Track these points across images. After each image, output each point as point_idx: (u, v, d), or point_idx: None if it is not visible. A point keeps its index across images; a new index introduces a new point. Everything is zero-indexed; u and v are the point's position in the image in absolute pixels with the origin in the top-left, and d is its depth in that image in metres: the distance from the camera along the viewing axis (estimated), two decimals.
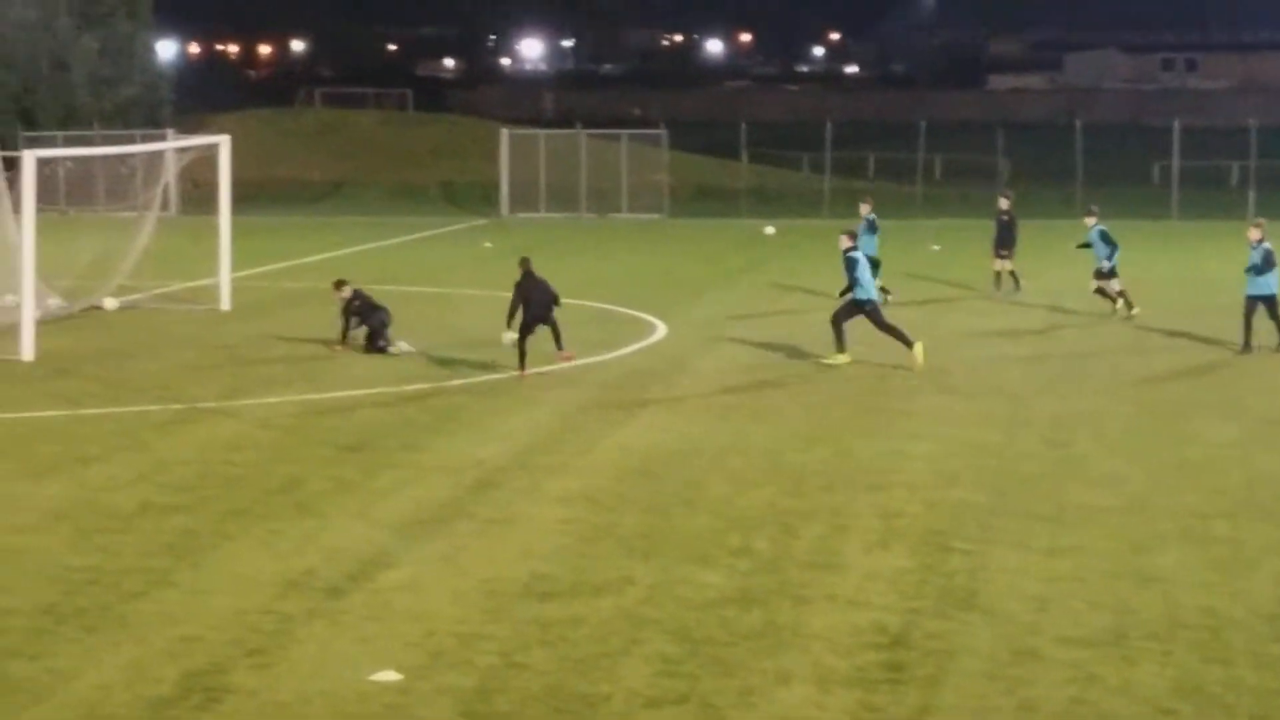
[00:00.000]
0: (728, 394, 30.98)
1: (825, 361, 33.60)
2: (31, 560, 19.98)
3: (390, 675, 16.17)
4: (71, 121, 77.04)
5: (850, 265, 33.48)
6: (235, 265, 43.57)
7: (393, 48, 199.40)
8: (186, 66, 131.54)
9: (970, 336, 37.89)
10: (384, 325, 35.01)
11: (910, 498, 23.03)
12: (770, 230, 50.93)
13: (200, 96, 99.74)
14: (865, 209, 42.94)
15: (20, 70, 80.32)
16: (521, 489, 23.68)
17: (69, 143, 68.36)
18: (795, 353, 35.55)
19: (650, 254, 57.50)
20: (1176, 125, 72.95)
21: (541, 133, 76.18)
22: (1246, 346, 34.25)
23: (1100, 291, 40.41)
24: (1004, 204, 45.29)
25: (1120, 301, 40.20)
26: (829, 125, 76.75)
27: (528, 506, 22.68)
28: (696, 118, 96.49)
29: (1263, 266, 33.83)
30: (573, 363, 32.21)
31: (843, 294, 34.08)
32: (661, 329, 38.65)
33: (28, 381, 32.30)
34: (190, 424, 28.42)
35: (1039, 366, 33.96)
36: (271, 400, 30.34)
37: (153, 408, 29.66)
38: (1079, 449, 26.32)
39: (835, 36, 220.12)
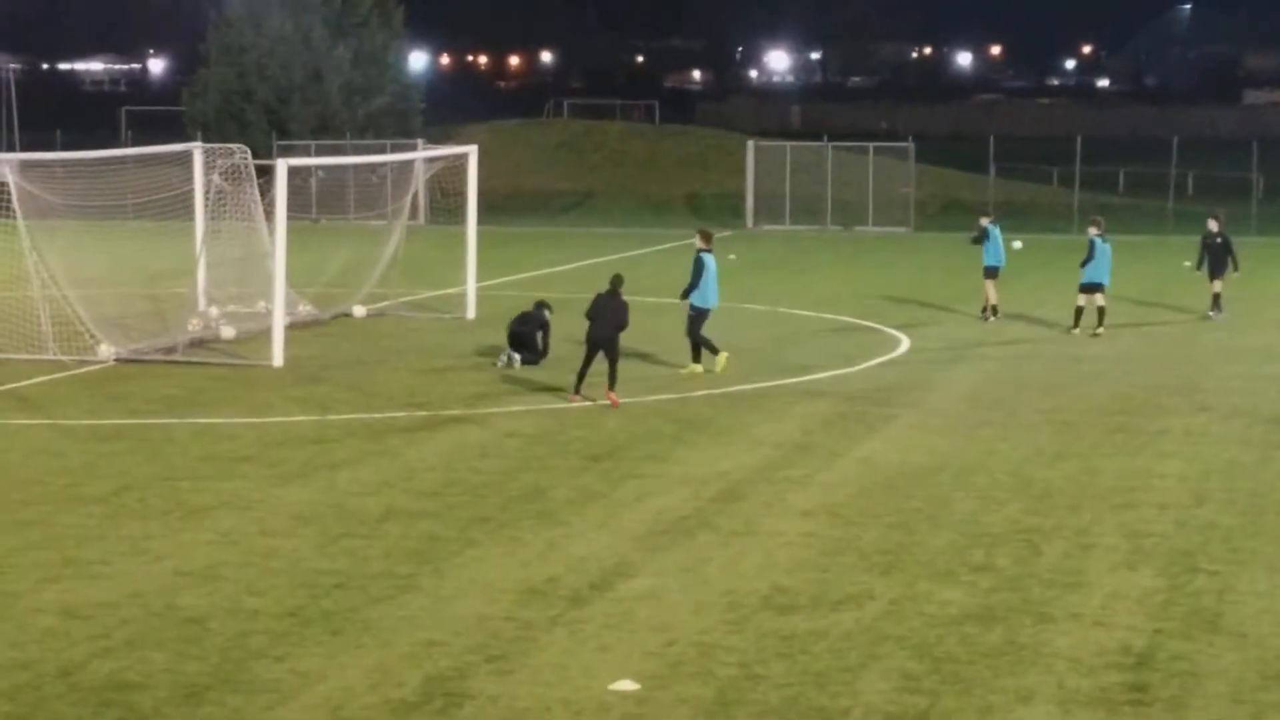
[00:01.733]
0: (972, 409, 30.80)
1: (685, 372, 33.97)
2: (279, 563, 20.35)
3: (629, 685, 16.25)
4: (324, 131, 78.29)
5: (697, 266, 33.83)
6: (481, 274, 44.06)
7: (640, 59, 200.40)
8: (437, 77, 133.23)
9: (1225, 352, 37.42)
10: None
11: (1159, 517, 22.80)
12: (1018, 245, 50.29)
13: (450, 107, 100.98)
14: (1093, 230, 41.69)
15: (275, 80, 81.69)
16: (764, 501, 23.75)
17: (321, 152, 69.60)
18: (1040, 368, 35.26)
19: (895, 268, 57.29)
20: None
21: (788, 145, 76.16)
22: None
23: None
24: (1214, 225, 44.55)
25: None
26: (1079, 140, 75.97)
27: (770, 519, 22.75)
28: (945, 131, 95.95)
29: None
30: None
31: (684, 295, 34.32)
32: (906, 343, 38.50)
33: (278, 387, 32.88)
34: (436, 431, 28.78)
35: None
36: (517, 409, 30.59)
37: (399, 414, 30.09)
38: None
39: (1087, 50, 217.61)
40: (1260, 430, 28.92)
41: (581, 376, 31.02)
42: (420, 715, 15.53)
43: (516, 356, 34.48)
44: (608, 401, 30.61)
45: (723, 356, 33.83)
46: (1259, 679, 16.54)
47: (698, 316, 34.06)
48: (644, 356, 35.41)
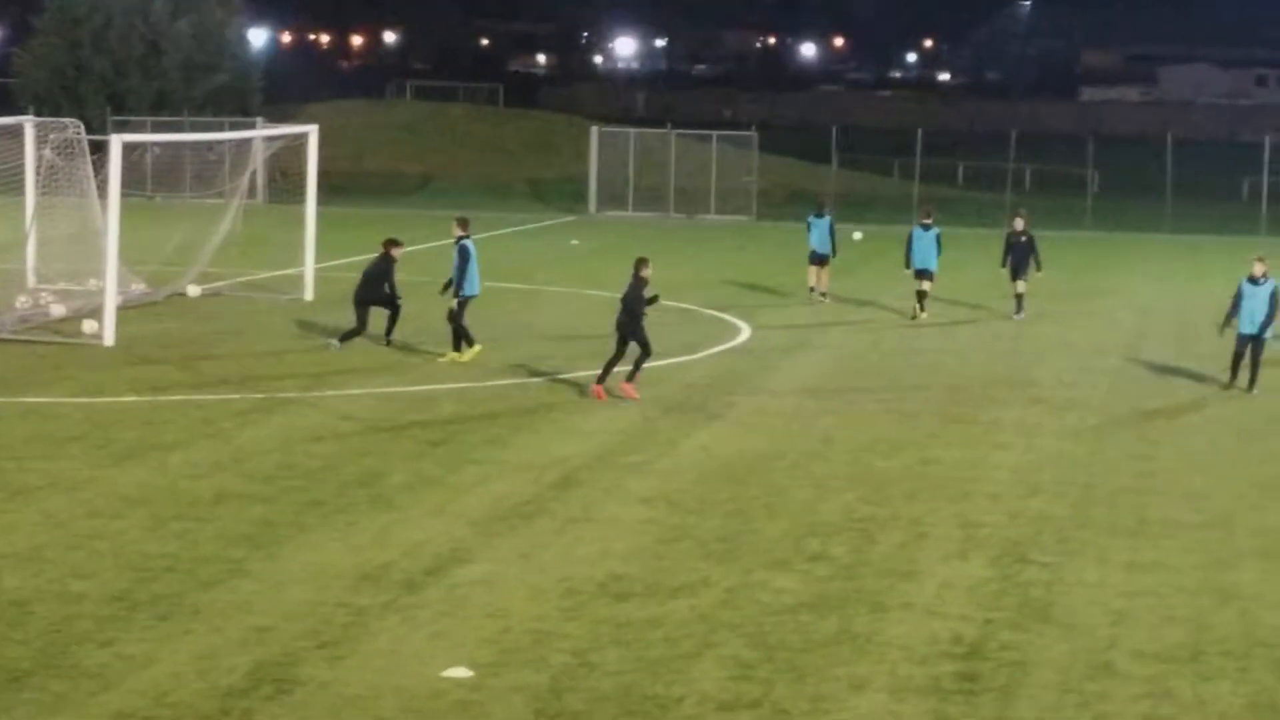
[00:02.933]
0: (812, 398, 30.99)
1: (445, 359, 33.61)
2: (107, 546, 20.11)
3: (463, 671, 16.21)
4: (162, 107, 77.51)
5: (462, 254, 33.50)
6: (321, 255, 43.70)
7: (486, 42, 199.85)
8: (278, 55, 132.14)
9: (1057, 346, 37.83)
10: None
11: (992, 507, 23.07)
12: (859, 236, 50.75)
13: (291, 86, 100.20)
14: (1019, 223, 42.46)
15: (112, 54, 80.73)
16: (603, 488, 23.77)
17: (158, 128, 68.94)
18: (880, 359, 35.52)
19: (737, 256, 57.44)
20: (1268, 141, 72.52)
21: (632, 131, 76.19)
22: None
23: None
24: (1019, 224, 43.57)
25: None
26: (920, 132, 76.67)
27: (608, 506, 22.76)
28: (788, 121, 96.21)
29: None
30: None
31: (446, 287, 33.90)
32: (746, 331, 38.63)
33: (109, 367, 32.43)
34: (271, 413, 28.54)
35: (1125, 380, 33.81)
36: (354, 392, 30.42)
37: (234, 396, 29.82)
38: (1162, 464, 26.28)
39: (929, 43, 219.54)
40: (1091, 423, 29.31)
41: (608, 369, 30.26)
42: (249, 701, 15.38)
43: (336, 343, 34.23)
44: (623, 394, 30.05)
45: (476, 349, 33.51)
46: (1086, 669, 16.74)
47: (464, 304, 33.72)
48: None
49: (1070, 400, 31.39)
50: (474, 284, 33.71)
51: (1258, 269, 32.62)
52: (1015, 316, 42.26)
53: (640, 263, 30.51)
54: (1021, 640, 17.51)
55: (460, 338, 33.52)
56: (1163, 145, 74.81)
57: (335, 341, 34.04)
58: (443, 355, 33.66)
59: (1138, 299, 46.54)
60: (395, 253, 34.94)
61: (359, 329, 34.12)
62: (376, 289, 34.40)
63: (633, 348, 30.07)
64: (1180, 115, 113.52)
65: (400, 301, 34.51)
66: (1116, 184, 75.79)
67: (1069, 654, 17.18)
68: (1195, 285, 50.10)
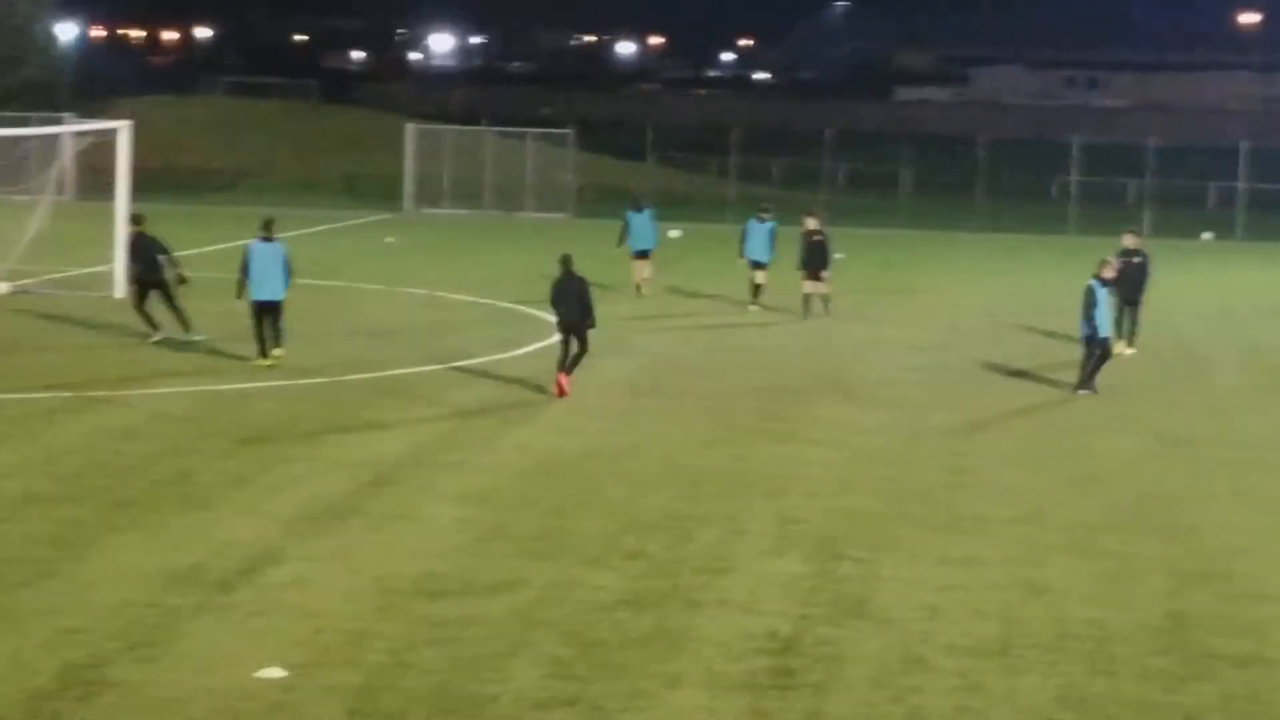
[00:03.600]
0: (629, 395, 31.09)
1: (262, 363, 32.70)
2: None
3: (276, 672, 16.11)
4: None
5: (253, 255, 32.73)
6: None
7: (300, 38, 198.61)
8: (87, 50, 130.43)
9: (870, 344, 38.15)
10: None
11: (807, 504, 23.16)
12: (675, 234, 51.03)
13: (101, 81, 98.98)
14: (812, 222, 42.79)
15: None
16: (418, 487, 23.68)
17: None
18: (696, 356, 35.66)
19: (555, 254, 57.35)
20: (1076, 142, 73.75)
21: (447, 128, 76.08)
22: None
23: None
24: (811, 224, 43.22)
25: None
26: (734, 131, 77.21)
27: (424, 504, 22.67)
28: (606, 119, 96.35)
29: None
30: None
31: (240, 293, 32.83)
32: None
33: None
34: (79, 413, 28.21)
35: (939, 378, 34.16)
36: (164, 390, 30.13)
37: (40, 395, 29.41)
38: (975, 460, 26.52)
39: (746, 42, 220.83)
40: (905, 420, 29.57)
41: (561, 364, 30.58)
42: (57, 704, 15.20)
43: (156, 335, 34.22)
44: (554, 389, 30.22)
45: (267, 362, 32.29)
46: (900, 663, 16.91)
47: (256, 306, 32.43)
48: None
49: (884, 398, 31.59)
50: (261, 288, 32.39)
51: (1129, 240, 36.33)
52: (809, 317, 41.89)
53: (569, 259, 31.46)
54: (836, 635, 17.65)
55: (259, 340, 32.73)
56: (974, 145, 75.86)
57: (188, 335, 34.56)
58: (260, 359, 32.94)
59: (950, 296, 47.07)
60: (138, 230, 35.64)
61: (147, 318, 34.62)
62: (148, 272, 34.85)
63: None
64: (990, 115, 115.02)
65: (166, 278, 34.80)
66: (929, 182, 76.62)
67: (883, 648, 17.35)
68: (1007, 282, 50.78)
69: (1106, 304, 32.23)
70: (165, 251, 35.47)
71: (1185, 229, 67.94)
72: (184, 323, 34.77)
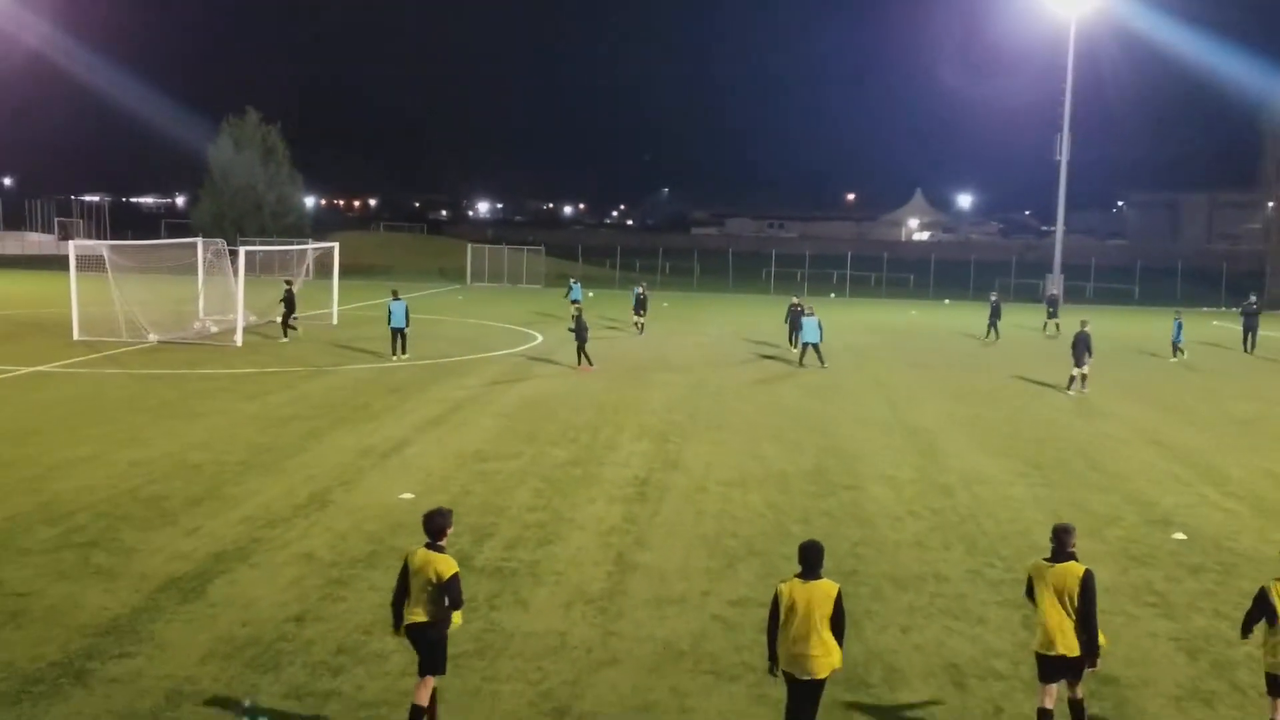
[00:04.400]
0: (569, 369, 30.76)
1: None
2: None
3: (409, 495, 16.05)
4: (262, 233, 74.91)
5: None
6: (343, 301, 42.41)
7: (417, 203, 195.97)
8: (317, 208, 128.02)
9: (681, 347, 37.69)
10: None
11: (651, 418, 23.04)
12: (584, 293, 50.63)
13: (323, 224, 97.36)
14: (640, 289, 41.21)
15: (238, 207, 78.17)
16: (473, 410, 23.40)
17: (262, 244, 66.44)
18: (604, 350, 35.28)
19: (535, 304, 57.08)
20: (773, 253, 74.08)
21: (486, 246, 75.05)
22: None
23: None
24: (639, 289, 40.18)
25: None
26: (618, 248, 77.25)
27: (476, 418, 22.46)
28: (559, 243, 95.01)
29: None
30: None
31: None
32: (539, 338, 38.07)
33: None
34: (315, 379, 27.44)
35: (710, 361, 33.82)
36: (351, 367, 29.21)
37: (297, 369, 28.76)
38: (726, 397, 26.29)
39: (622, 206, 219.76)
40: (694, 379, 29.02)
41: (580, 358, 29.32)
42: (308, 509, 14.96)
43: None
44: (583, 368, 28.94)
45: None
46: (694, 489, 16.91)
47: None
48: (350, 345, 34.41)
49: (685, 369, 31.18)
50: (396, 321, 30.44)
51: (795, 299, 35.53)
52: (640, 335, 38.85)
53: (578, 308, 31.06)
54: (665, 477, 17.74)
55: (393, 347, 30.38)
56: (726, 256, 75.98)
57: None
58: (392, 357, 30.75)
59: (715, 325, 46.91)
60: None
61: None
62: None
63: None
64: (735, 241, 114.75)
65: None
66: (707, 271, 76.63)
67: (687, 482, 17.47)
68: (741, 318, 50.81)
69: (811, 326, 32.14)
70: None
71: (824, 292, 68.49)
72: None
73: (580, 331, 29.76)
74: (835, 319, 49.89)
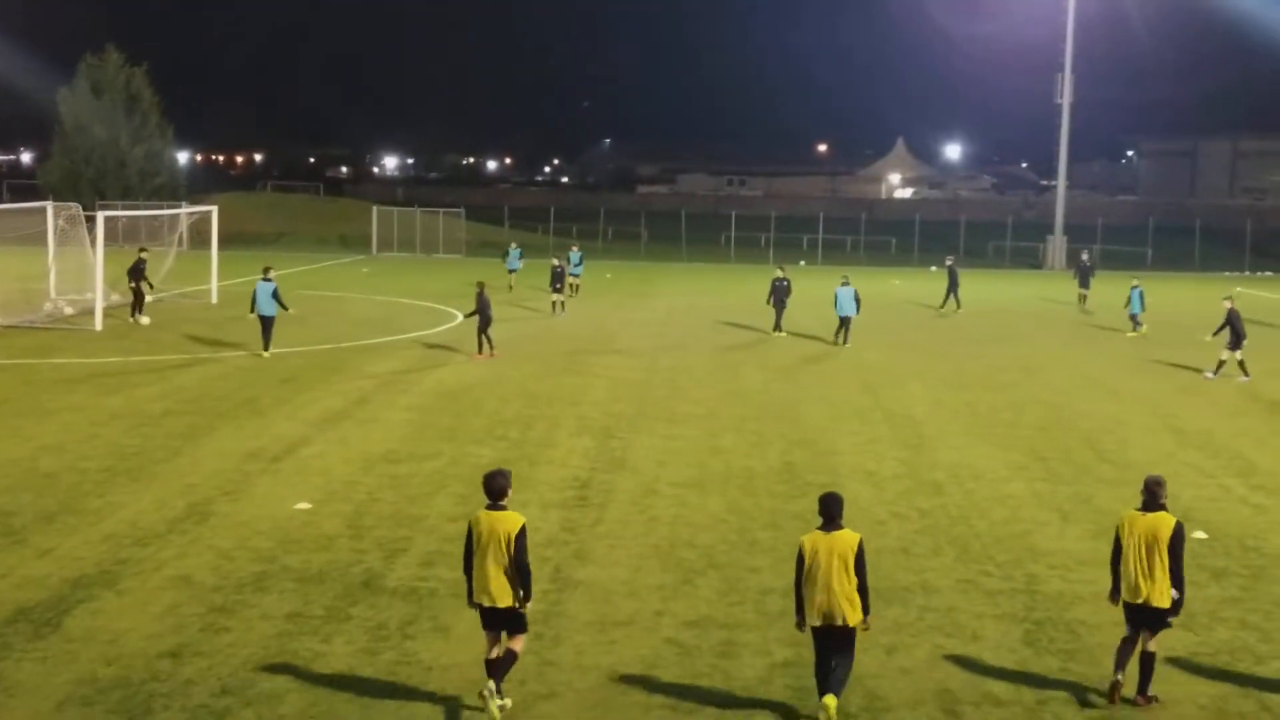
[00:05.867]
0: (495, 353, 30.72)
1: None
2: None
3: (305, 505, 15.91)
4: (126, 196, 73.63)
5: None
6: (224, 276, 41.89)
7: (312, 159, 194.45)
8: (193, 167, 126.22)
9: (625, 324, 38.03)
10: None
11: (592, 409, 23.12)
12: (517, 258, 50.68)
13: (200, 185, 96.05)
14: (573, 251, 42.84)
15: (96, 165, 76.56)
16: (382, 402, 23.37)
17: (126, 208, 65.42)
18: (536, 330, 35.35)
19: (455, 278, 56.79)
20: (734, 215, 74.42)
21: (395, 209, 74.70)
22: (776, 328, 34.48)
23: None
24: (556, 260, 39.88)
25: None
26: (552, 209, 77.05)
27: (385, 412, 22.42)
28: (481, 204, 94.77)
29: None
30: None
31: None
32: (460, 317, 37.95)
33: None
34: (191, 367, 27.22)
35: (663, 341, 34.03)
36: (234, 354, 28.94)
37: (170, 356, 28.48)
38: (681, 382, 26.45)
39: (556, 161, 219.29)
40: (645, 362, 29.28)
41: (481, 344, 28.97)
42: (185, 524, 14.85)
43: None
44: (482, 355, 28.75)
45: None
46: (642, 491, 16.99)
47: None
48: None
49: (634, 351, 31.45)
50: (263, 308, 28.25)
51: (777, 270, 35.03)
52: (557, 315, 38.24)
53: (480, 284, 29.66)
54: (609, 479, 17.77)
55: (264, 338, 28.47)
56: (678, 218, 76.19)
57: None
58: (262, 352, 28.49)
59: (667, 299, 47.08)
60: None
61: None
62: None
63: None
64: (688, 201, 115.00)
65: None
66: (656, 237, 76.72)
67: (635, 484, 17.51)
68: (696, 290, 51.04)
69: (848, 298, 32.35)
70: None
71: (793, 260, 68.99)
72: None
73: (483, 310, 28.88)
74: (805, 290, 50.03)
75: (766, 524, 15.61)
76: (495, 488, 10.04)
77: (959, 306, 42.00)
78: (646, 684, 10.79)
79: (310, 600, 12.52)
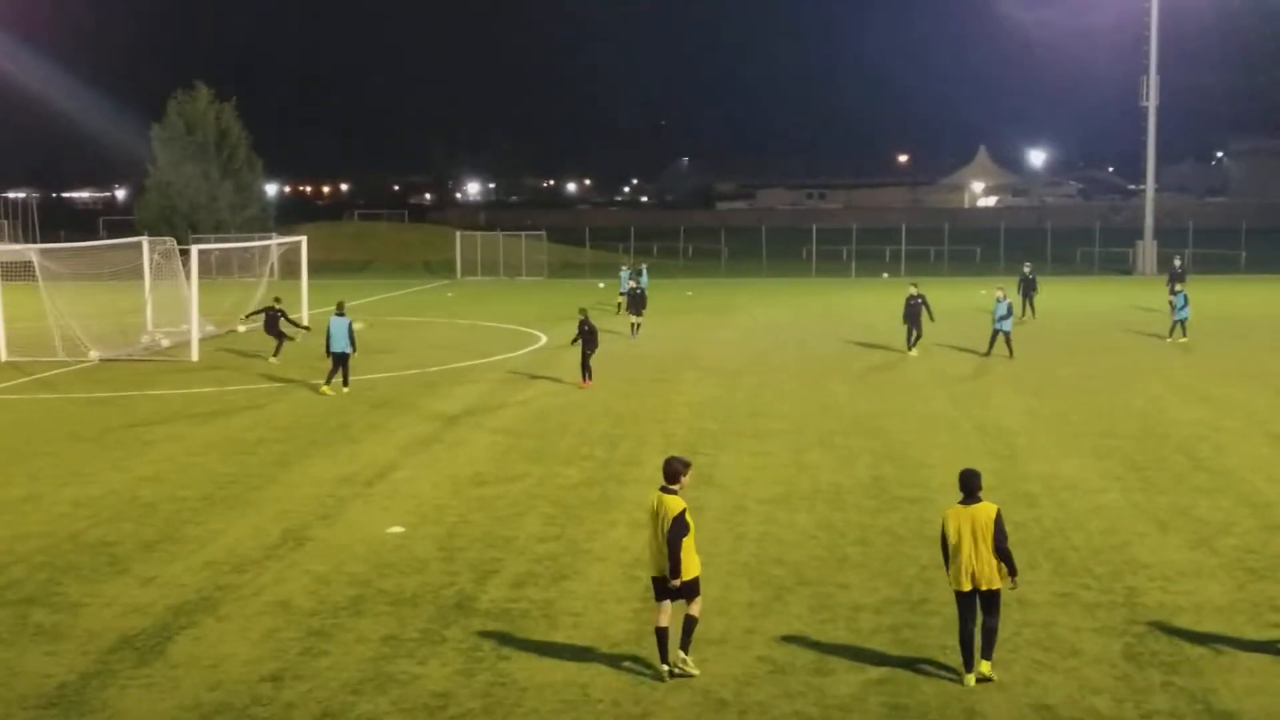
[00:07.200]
0: (575, 375, 30.75)
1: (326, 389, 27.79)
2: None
3: (398, 528, 16.09)
4: (219, 229, 75.28)
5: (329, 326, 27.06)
6: (313, 304, 42.59)
7: (396, 187, 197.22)
8: (282, 198, 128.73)
9: (710, 340, 37.86)
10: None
11: (677, 427, 23.10)
12: (602, 285, 50.66)
13: (289, 215, 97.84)
14: (634, 268, 43.26)
15: (188, 199, 78.26)
16: (470, 425, 23.52)
17: (218, 241, 66.89)
18: (625, 349, 35.40)
19: (538, 300, 57.21)
20: (814, 228, 73.92)
21: (477, 234, 75.46)
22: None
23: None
24: (631, 281, 38.89)
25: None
26: (632, 229, 77.24)
27: (473, 435, 22.56)
28: (562, 225, 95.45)
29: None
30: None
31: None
32: (544, 339, 38.35)
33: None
34: (287, 395, 27.67)
35: (747, 356, 33.88)
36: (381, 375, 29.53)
37: (263, 385, 28.91)
38: (765, 398, 26.40)
39: (635, 181, 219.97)
40: (729, 379, 29.29)
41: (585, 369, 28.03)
42: (280, 549, 15.09)
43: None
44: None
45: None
46: (731, 509, 16.91)
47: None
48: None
49: (716, 366, 31.43)
50: (337, 344, 26.96)
51: (911, 289, 33.12)
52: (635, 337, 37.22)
53: (583, 310, 28.84)
54: (698, 496, 17.67)
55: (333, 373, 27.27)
56: (759, 232, 75.97)
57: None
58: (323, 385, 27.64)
59: (749, 314, 46.93)
60: None
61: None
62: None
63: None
64: (768, 216, 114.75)
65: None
66: (737, 253, 76.57)
67: (722, 500, 17.46)
68: (780, 305, 50.80)
69: (1002, 310, 31.35)
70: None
71: (875, 271, 68.40)
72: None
73: (588, 337, 27.92)
74: (886, 301, 49.68)
75: (856, 539, 15.48)
76: (670, 470, 11.34)
77: (1034, 314, 41.38)
78: (740, 702, 10.74)
79: (405, 623, 12.65)
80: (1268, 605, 12.88)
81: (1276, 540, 15.19)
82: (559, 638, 12.24)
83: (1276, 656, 11.54)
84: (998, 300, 32.11)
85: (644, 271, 44.76)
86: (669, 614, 11.24)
